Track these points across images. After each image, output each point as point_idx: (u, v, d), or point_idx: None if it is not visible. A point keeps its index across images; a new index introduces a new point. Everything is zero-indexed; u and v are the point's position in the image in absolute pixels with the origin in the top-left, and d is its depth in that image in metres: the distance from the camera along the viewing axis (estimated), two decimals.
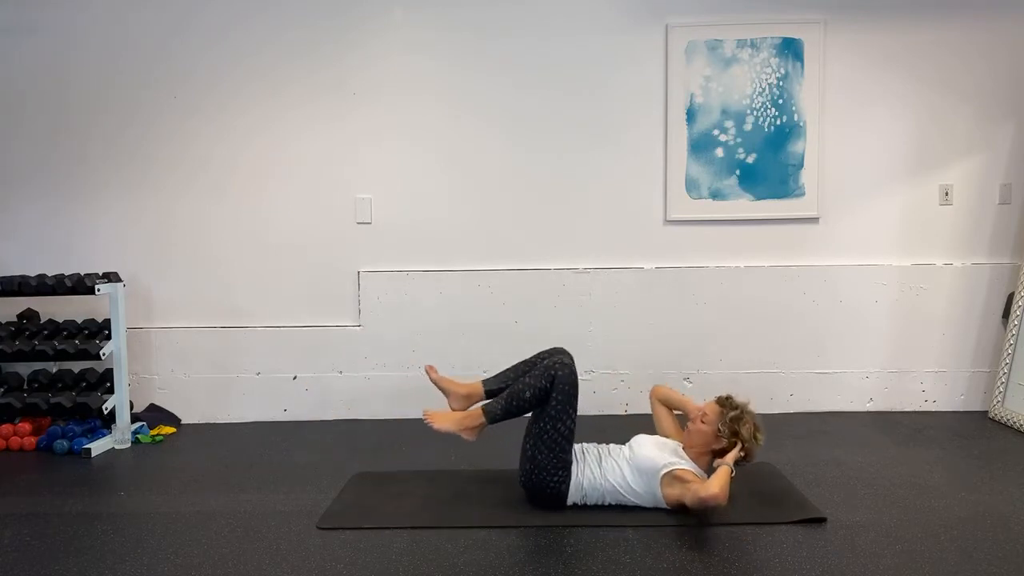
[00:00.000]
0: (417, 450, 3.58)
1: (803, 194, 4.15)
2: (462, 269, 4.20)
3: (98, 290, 3.71)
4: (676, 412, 3.12)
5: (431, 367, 3.03)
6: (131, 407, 3.90)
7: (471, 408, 2.90)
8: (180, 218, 4.20)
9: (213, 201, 4.19)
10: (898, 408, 4.19)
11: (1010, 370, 3.99)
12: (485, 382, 2.97)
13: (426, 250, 4.21)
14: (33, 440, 3.75)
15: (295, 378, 4.22)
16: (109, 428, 3.82)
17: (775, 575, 2.31)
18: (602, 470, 2.82)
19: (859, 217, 4.17)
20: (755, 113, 4.12)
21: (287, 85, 4.15)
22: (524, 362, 2.99)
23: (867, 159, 4.15)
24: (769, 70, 4.11)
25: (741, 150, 4.13)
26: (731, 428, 2.77)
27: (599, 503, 2.82)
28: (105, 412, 3.68)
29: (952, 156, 4.15)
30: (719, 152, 4.14)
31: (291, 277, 4.22)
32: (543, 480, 2.78)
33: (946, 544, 2.50)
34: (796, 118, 4.12)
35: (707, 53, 4.11)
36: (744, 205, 4.16)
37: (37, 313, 4.12)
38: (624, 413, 4.19)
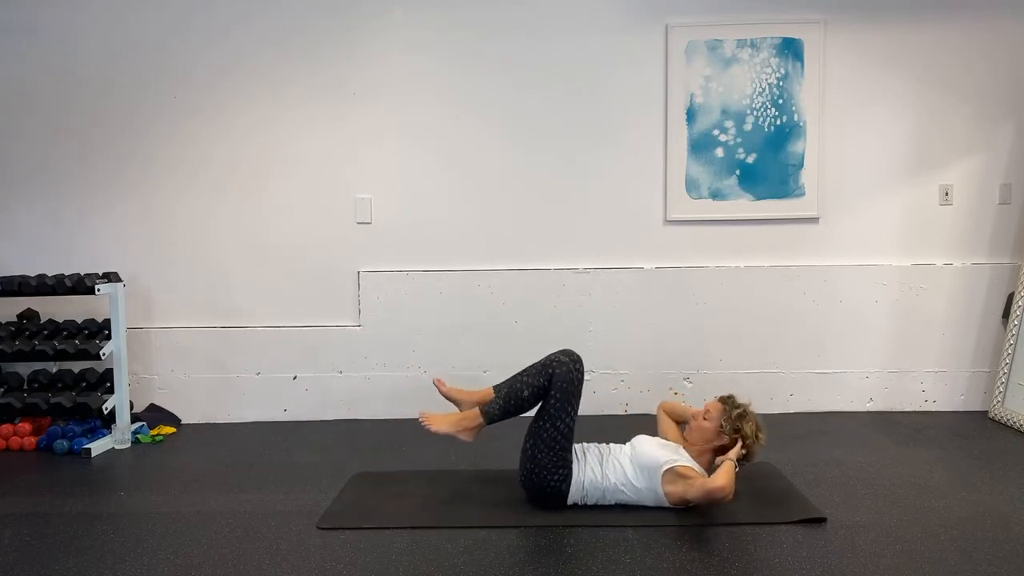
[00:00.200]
0: (417, 450, 3.58)
1: (803, 194, 4.15)
2: (462, 269, 4.20)
3: (98, 290, 3.71)
4: (680, 423, 3.11)
5: (439, 380, 2.98)
6: (131, 407, 3.90)
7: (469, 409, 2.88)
8: (180, 218, 4.21)
9: (213, 201, 4.19)
10: (898, 408, 4.19)
11: (1010, 370, 3.99)
12: (496, 387, 2.87)
13: (426, 250, 4.21)
14: (33, 440, 3.76)
15: (295, 378, 4.22)
16: (109, 428, 3.82)
17: (775, 575, 2.31)
18: (603, 468, 2.81)
19: (859, 217, 4.17)
20: (755, 113, 4.12)
21: (287, 85, 4.15)
22: (535, 364, 2.88)
23: (867, 159, 4.15)
24: (769, 70, 4.11)
25: (741, 150, 4.13)
26: (734, 424, 2.78)
27: (600, 502, 2.82)
28: (105, 412, 3.68)
29: (952, 156, 4.15)
30: (719, 152, 4.14)
31: (291, 277, 4.22)
32: (544, 479, 2.78)
33: (946, 544, 2.50)
34: (796, 118, 4.12)
35: (707, 53, 4.11)
36: (744, 205, 4.16)
37: (37, 313, 4.12)
38: (624, 413, 4.19)
